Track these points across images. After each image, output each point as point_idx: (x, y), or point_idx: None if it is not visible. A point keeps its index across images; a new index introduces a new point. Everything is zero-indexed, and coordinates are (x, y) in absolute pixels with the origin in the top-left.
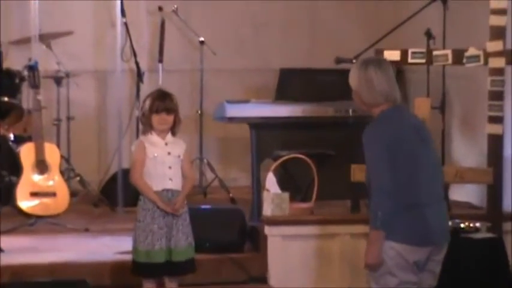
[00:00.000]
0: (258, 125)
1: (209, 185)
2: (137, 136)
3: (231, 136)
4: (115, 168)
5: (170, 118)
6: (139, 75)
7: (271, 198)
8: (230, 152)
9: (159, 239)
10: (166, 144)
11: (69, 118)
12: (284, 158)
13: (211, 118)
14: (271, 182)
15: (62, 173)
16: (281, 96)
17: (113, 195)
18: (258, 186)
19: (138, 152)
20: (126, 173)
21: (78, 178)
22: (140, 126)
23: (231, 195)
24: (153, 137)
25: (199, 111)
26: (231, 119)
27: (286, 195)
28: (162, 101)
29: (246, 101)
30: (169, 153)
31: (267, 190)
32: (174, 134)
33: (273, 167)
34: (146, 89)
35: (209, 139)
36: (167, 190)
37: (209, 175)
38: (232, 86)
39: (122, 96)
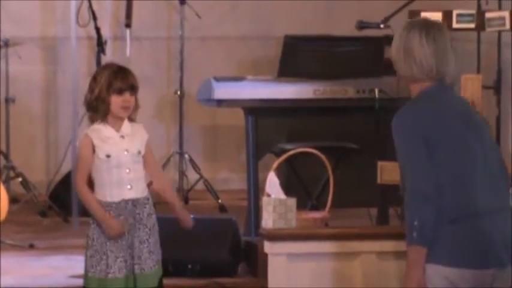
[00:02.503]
0: (256, 110)
1: (192, 189)
2: None
3: (220, 124)
4: (68, 166)
5: (133, 100)
6: (101, 44)
7: (273, 206)
8: (219, 146)
9: (116, 264)
10: (122, 137)
11: (8, 100)
12: (290, 152)
13: (194, 100)
14: (272, 184)
15: None
16: (286, 72)
17: (66, 201)
18: (255, 190)
19: (84, 151)
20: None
21: (19, 179)
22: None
23: (220, 201)
24: (105, 129)
25: (178, 92)
26: (220, 102)
27: (293, 201)
28: (125, 76)
29: (240, 78)
30: (126, 151)
31: (268, 195)
32: (131, 120)
33: (275, 164)
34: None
35: (191, 128)
36: (127, 201)
37: (192, 175)
38: (221, 58)
39: (78, 71)
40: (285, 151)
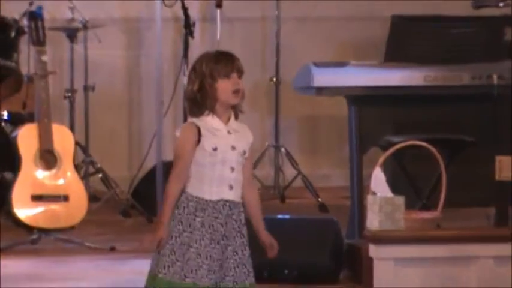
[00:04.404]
0: (360, 99)
1: (289, 185)
2: (185, 116)
3: (320, 115)
4: (153, 161)
5: (242, 84)
6: (188, 26)
7: (379, 205)
8: (318, 138)
9: (201, 271)
10: (229, 132)
11: (86, 88)
12: (398, 146)
13: (291, 88)
14: (378, 181)
15: (77, 167)
16: (393, 57)
17: (150, 199)
18: (359, 188)
19: (188, 140)
20: (168, 168)
21: (100, 175)
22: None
23: (320, 199)
24: (213, 120)
25: (274, 79)
26: (320, 90)
27: (401, 200)
28: (229, 59)
29: (342, 64)
30: (233, 148)
31: (373, 193)
32: (237, 116)
33: (381, 159)
34: (198, 45)
35: (288, 119)
36: (225, 202)
37: (289, 171)
38: (321, 42)
39: (163, 56)
40: (392, 144)
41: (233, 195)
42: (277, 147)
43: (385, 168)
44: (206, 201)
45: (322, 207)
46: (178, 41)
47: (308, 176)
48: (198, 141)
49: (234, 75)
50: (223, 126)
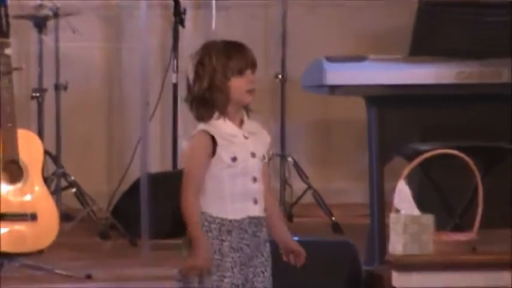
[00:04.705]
0: (381, 100)
1: (297, 202)
2: (174, 120)
3: (334, 118)
4: (136, 173)
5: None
6: (179, 14)
7: (404, 225)
8: (332, 146)
9: None
10: (245, 137)
11: (58, 87)
12: (426, 155)
13: (300, 87)
14: (403, 196)
15: (46, 180)
16: (420, 50)
17: (133, 218)
18: (380, 204)
19: (201, 152)
20: (155, 181)
21: (74, 190)
22: (182, 108)
23: (334, 218)
24: (225, 125)
25: (279, 76)
26: (334, 89)
27: (430, 219)
28: (241, 51)
29: (360, 58)
30: (253, 155)
31: (397, 210)
32: (248, 114)
33: (406, 171)
34: (190, 36)
35: (296, 123)
36: (251, 219)
37: (297, 185)
38: (335, 32)
39: (149, 49)
40: (418, 153)
41: (258, 210)
42: (283, 157)
43: (411, 181)
44: (230, 221)
45: (336, 228)
46: (167, 31)
47: (319, 191)
48: (213, 152)
49: (248, 72)
50: (238, 131)
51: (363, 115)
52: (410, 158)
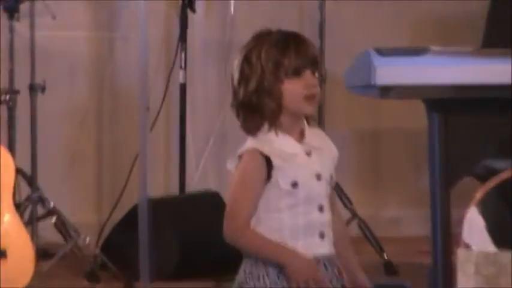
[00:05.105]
0: (447, 104)
1: None
2: (181, 130)
3: (386, 127)
4: (132, 198)
5: (317, 83)
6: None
7: (476, 264)
8: (383, 163)
9: None
10: (308, 154)
11: (34, 88)
12: (504, 175)
13: (342, 87)
14: (474, 227)
15: (19, 207)
16: (495, 41)
17: (129, 255)
18: (444, 238)
19: (254, 177)
20: (157, 208)
21: (54, 219)
22: (192, 115)
23: (385, 255)
24: (283, 141)
25: (316, 74)
26: (387, 90)
27: (510, 257)
28: (299, 45)
29: (420, 51)
30: (318, 177)
31: (466, 246)
32: (309, 123)
33: (479, 195)
34: (201, 25)
35: (338, 133)
36: (318, 260)
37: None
38: (387, 18)
39: (150, 40)
40: (494, 172)
41: (327, 247)
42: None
43: (484, 208)
44: None
45: (389, 267)
46: (173, 18)
47: (367, 220)
48: (268, 177)
49: (307, 73)
50: (298, 147)
51: (423, 123)
52: (483, 178)
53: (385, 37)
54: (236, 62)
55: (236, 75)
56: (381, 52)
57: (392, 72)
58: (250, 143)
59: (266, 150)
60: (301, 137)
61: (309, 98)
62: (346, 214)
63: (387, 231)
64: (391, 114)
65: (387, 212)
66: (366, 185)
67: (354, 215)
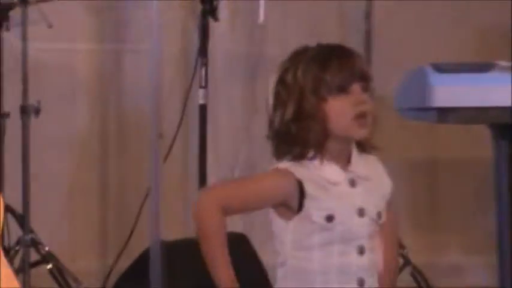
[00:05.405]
0: None
1: None
2: (201, 160)
3: (444, 157)
4: (143, 241)
5: (369, 100)
6: (209, 1)
7: None
8: (440, 199)
9: None
10: (351, 183)
11: (26, 110)
12: None
13: (391, 109)
14: None
15: (9, 252)
16: None
17: None
18: None
19: (267, 186)
20: (172, 253)
21: (49, 266)
22: (213, 142)
23: None
24: (324, 167)
25: (365, 89)
26: (445, 113)
27: None
28: (344, 58)
29: (485, 67)
30: (361, 213)
31: None
32: (364, 149)
33: None
34: (225, 35)
35: (387, 164)
36: None
37: None
38: (444, 26)
39: (165, 53)
40: None
41: None
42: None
43: None
44: None
45: None
46: (191, 28)
47: (423, 269)
48: (299, 206)
49: (356, 87)
50: (341, 175)
51: (487, 153)
52: None
53: (443, 50)
54: (271, 86)
55: (271, 101)
56: (439, 68)
57: (452, 92)
58: (284, 163)
59: (298, 172)
60: (347, 164)
61: (359, 117)
62: None
63: (447, 282)
64: (451, 142)
65: (447, 259)
66: (421, 225)
67: (407, 261)
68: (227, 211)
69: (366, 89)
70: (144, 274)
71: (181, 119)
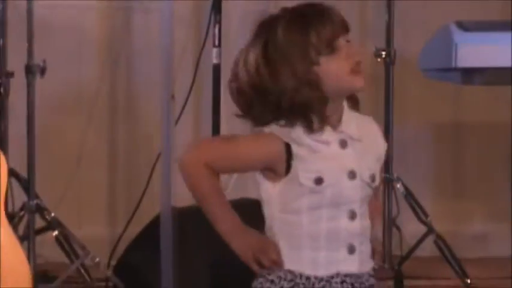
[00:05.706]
0: None
1: (411, 254)
2: (215, 123)
3: (470, 121)
4: (154, 207)
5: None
6: None
7: None
8: (465, 165)
9: None
10: (342, 143)
11: (31, 70)
12: None
13: (415, 70)
14: None
15: (12, 218)
16: None
17: (147, 278)
18: None
19: (262, 149)
20: (184, 220)
21: (55, 233)
22: (228, 104)
23: (469, 281)
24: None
25: (383, 54)
26: (470, 74)
27: None
28: (324, 15)
29: None
30: (352, 175)
31: None
32: (356, 104)
33: None
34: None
35: (409, 128)
36: (343, 277)
37: (410, 227)
38: None
39: (175, 11)
40: None
41: (356, 264)
42: (389, 181)
43: None
44: (308, 279)
45: None
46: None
47: (446, 237)
48: (286, 169)
49: (341, 42)
50: (332, 135)
51: None
52: None
53: (469, 8)
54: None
55: (245, 76)
56: (464, 26)
57: (478, 51)
58: (270, 127)
59: (287, 137)
60: (337, 123)
61: (355, 69)
62: (420, 229)
63: (471, 251)
64: (476, 105)
65: (471, 228)
66: (444, 193)
67: (430, 230)
68: (211, 170)
69: (348, 38)
70: (154, 242)
71: (194, 79)
